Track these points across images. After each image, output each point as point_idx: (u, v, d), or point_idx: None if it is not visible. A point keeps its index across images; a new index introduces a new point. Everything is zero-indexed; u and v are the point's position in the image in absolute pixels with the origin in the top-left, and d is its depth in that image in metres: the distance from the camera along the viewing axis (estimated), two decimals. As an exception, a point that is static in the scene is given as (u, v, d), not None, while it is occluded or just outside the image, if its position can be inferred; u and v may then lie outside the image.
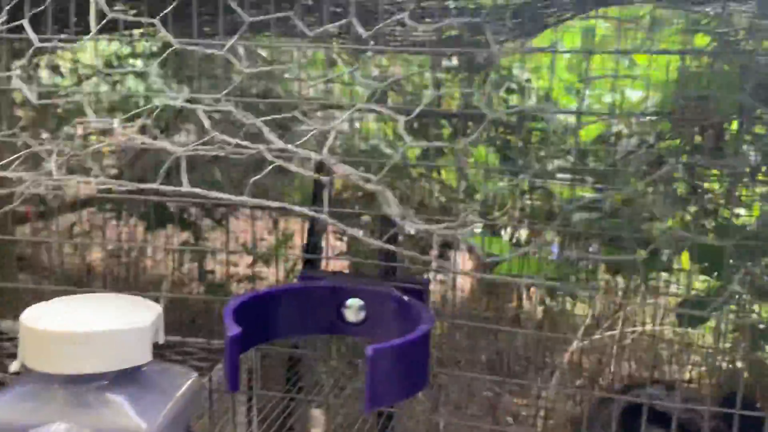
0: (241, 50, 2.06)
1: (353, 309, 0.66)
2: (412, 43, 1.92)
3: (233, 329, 0.53)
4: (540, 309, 2.76)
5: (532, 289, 2.89)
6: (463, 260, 3.02)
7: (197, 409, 0.54)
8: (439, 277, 3.11)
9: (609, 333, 2.05)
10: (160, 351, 0.51)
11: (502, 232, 2.80)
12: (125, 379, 0.47)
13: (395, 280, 0.70)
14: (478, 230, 2.68)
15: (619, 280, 2.07)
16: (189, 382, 0.51)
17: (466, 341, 2.87)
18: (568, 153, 2.02)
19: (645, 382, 1.41)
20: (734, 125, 1.76)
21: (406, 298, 0.65)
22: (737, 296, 1.67)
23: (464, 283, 3.53)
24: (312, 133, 0.67)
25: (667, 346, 1.97)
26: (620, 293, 2.02)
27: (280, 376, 1.91)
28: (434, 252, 2.86)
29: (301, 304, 0.65)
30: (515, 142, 2.33)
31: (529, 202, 2.41)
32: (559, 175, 1.88)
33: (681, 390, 1.35)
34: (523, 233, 2.80)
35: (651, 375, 1.86)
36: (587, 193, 1.74)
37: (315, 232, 1.83)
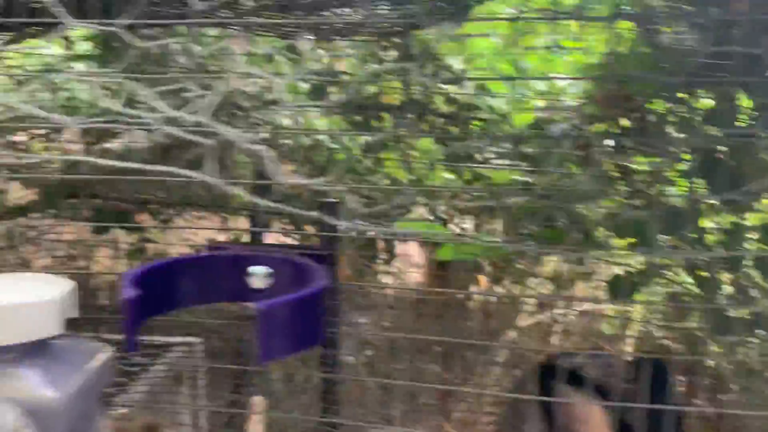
0: (175, 46, 2.05)
1: (259, 276, 0.68)
2: (344, 32, 1.95)
3: (128, 292, 0.55)
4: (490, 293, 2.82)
5: (481, 276, 2.95)
6: (410, 249, 3.06)
7: (109, 381, 0.56)
8: (394, 269, 3.16)
9: (552, 312, 2.11)
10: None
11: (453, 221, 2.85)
12: (36, 351, 0.49)
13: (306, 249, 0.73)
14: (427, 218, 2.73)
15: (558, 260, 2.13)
16: (100, 354, 0.53)
17: (418, 328, 2.92)
18: (505, 140, 2.08)
19: (574, 352, 1.47)
20: (660, 106, 1.84)
21: (299, 259, 0.67)
22: (665, 270, 1.75)
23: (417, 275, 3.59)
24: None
25: (602, 321, 2.04)
26: (561, 274, 2.08)
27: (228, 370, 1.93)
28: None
29: (205, 273, 0.67)
30: (456, 132, 2.38)
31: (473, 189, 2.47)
32: (496, 161, 1.93)
33: (603, 357, 1.41)
34: (469, 221, 2.85)
35: (580, 346, 1.93)
36: (521, 177, 1.80)
37: (257, 225, 1.84)
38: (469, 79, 2.05)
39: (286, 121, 2.82)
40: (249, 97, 2.61)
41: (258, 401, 1.37)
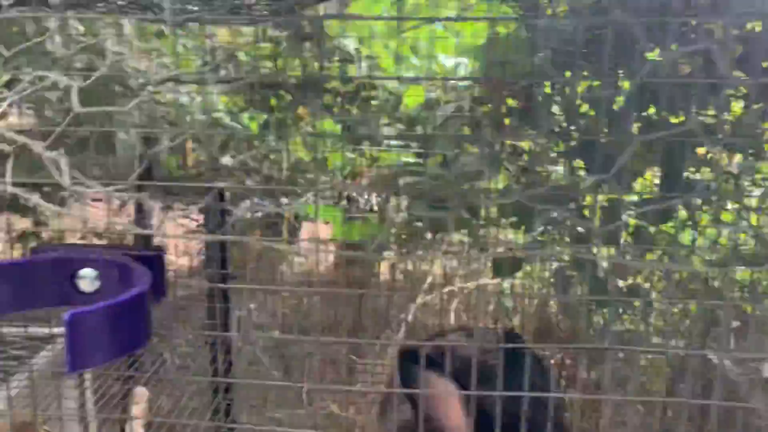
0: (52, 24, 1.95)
1: (87, 279, 0.66)
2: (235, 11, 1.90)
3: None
4: (392, 272, 2.86)
5: (385, 255, 2.98)
6: (318, 230, 3.05)
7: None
8: (305, 249, 3.15)
9: (446, 289, 2.16)
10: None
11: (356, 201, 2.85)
12: None
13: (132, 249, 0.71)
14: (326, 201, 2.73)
15: (454, 237, 2.18)
16: None
17: (328, 308, 2.94)
18: (398, 120, 2.09)
19: (453, 330, 1.51)
20: (547, 88, 1.89)
21: (123, 262, 0.66)
22: (547, 245, 1.81)
23: (328, 255, 3.60)
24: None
25: (489, 296, 2.11)
26: (453, 251, 2.13)
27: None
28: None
29: (27, 278, 0.65)
30: (354, 112, 2.38)
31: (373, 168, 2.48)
32: (389, 142, 1.94)
33: (479, 334, 1.46)
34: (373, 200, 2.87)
35: (459, 323, 1.99)
36: (411, 158, 1.82)
37: (143, 211, 1.80)
38: (360, 59, 2.05)
39: (184, 99, 2.74)
40: (143, 75, 2.52)
41: (140, 391, 1.35)
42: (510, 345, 1.06)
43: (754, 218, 2.02)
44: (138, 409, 1.27)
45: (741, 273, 2.01)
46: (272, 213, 2.70)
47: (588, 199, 1.81)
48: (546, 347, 1.76)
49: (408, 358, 0.97)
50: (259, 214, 2.76)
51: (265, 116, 2.52)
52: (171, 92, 2.60)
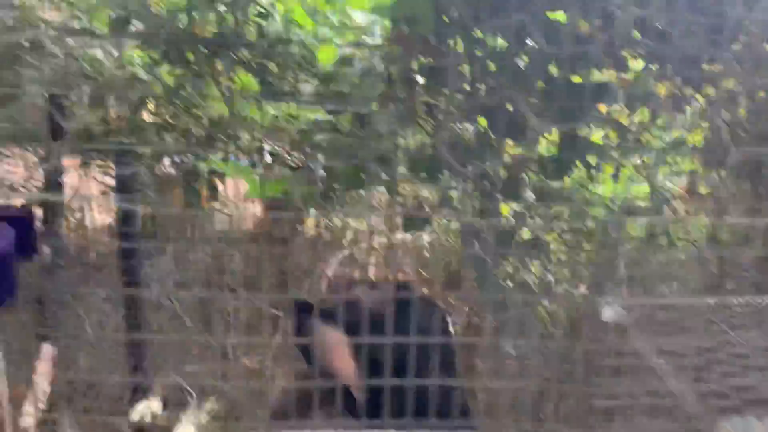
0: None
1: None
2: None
3: None
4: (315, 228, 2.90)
5: (310, 213, 3.01)
6: (237, 187, 3.05)
7: None
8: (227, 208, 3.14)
9: (364, 244, 2.21)
10: None
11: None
12: None
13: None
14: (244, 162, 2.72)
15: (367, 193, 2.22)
16: None
17: (252, 265, 2.96)
18: (314, 76, 2.10)
19: (357, 283, 1.56)
20: (459, 45, 1.93)
21: None
22: (456, 201, 1.89)
23: (253, 210, 3.60)
24: None
25: (406, 250, 2.18)
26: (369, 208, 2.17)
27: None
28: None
29: None
30: (272, 68, 2.36)
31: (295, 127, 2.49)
32: (305, 98, 1.96)
33: (385, 286, 1.52)
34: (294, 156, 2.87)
35: (364, 277, 2.06)
36: (321, 116, 1.84)
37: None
38: (275, 13, 2.04)
39: (97, 53, 2.66)
40: (53, 27, 2.44)
41: (46, 348, 1.36)
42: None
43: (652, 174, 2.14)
44: (42, 365, 1.28)
45: (636, 225, 2.14)
46: (191, 170, 2.68)
47: (493, 156, 1.88)
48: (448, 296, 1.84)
49: (302, 310, 1.02)
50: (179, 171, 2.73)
51: (181, 71, 2.47)
52: (84, 46, 2.53)
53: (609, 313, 0.96)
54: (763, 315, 1.64)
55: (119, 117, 2.84)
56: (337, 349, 1.03)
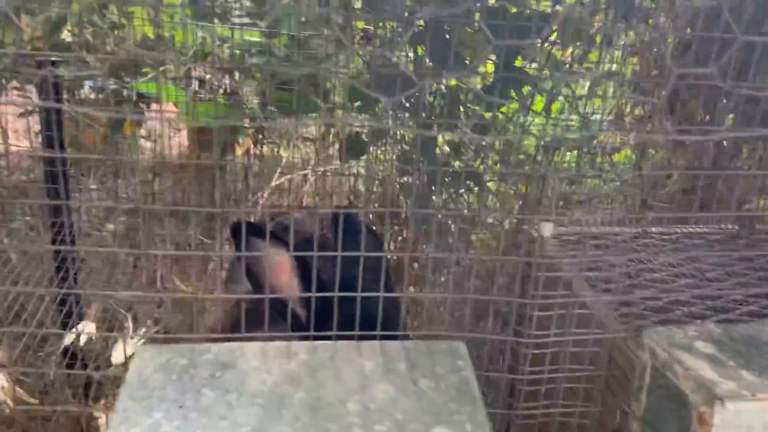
0: None
1: None
2: None
3: None
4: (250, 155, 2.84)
5: (242, 140, 2.95)
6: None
7: None
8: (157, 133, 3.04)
9: (299, 173, 2.20)
10: None
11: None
12: None
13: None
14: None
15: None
16: None
17: (181, 193, 2.89)
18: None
19: (295, 209, 1.57)
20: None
21: None
22: (389, 129, 1.89)
23: (183, 139, 3.51)
24: None
25: (339, 179, 2.18)
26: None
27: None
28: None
29: None
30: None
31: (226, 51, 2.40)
32: (236, 21, 1.89)
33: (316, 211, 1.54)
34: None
35: (298, 202, 2.06)
36: (257, 38, 1.79)
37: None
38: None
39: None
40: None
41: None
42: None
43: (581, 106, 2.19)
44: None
45: (567, 155, 2.20)
46: (117, 93, 2.57)
47: (433, 85, 1.88)
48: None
49: (243, 230, 1.02)
50: (102, 95, 2.62)
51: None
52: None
53: (547, 228, 1.00)
54: (677, 243, 1.74)
55: (37, 37, 2.68)
56: (281, 267, 1.04)
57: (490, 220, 1.97)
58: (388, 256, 1.55)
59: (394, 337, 0.98)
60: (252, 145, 2.84)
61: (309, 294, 1.03)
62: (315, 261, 1.01)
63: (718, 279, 1.46)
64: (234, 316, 1.15)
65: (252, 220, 1.45)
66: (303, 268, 1.05)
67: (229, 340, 0.91)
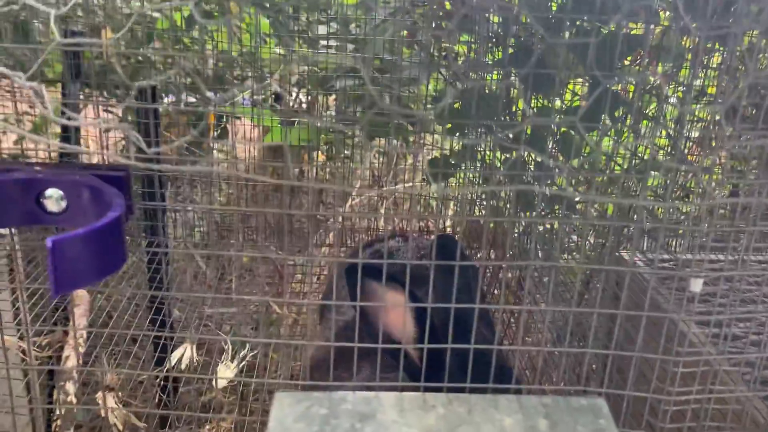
0: None
1: (53, 199, 0.66)
2: None
3: None
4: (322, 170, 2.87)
5: (316, 153, 2.98)
6: (245, 129, 3.00)
7: None
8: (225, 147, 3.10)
9: (378, 191, 2.20)
10: None
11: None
12: None
13: (99, 169, 0.71)
14: (247, 103, 2.67)
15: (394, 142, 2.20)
16: None
17: (252, 207, 2.94)
18: (334, 19, 2.05)
19: (389, 237, 1.56)
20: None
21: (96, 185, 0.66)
22: (480, 152, 1.87)
23: (252, 150, 3.56)
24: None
25: (425, 200, 2.17)
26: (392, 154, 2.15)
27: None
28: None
29: (-6, 197, 0.64)
30: (287, 8, 2.30)
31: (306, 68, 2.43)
32: (323, 42, 1.91)
33: (413, 239, 1.52)
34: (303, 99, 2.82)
35: (394, 228, 2.05)
36: (348, 62, 1.80)
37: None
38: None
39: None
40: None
41: (80, 294, 1.35)
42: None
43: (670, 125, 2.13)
44: (79, 311, 1.28)
45: (654, 179, 2.14)
46: (199, 110, 2.63)
47: (520, 105, 1.86)
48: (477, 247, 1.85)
49: (354, 270, 1.01)
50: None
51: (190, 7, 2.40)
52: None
53: (697, 284, 0.96)
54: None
55: (123, 53, 2.76)
56: (397, 311, 1.03)
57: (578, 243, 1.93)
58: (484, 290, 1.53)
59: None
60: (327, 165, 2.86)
61: (423, 345, 1.00)
62: (428, 303, 0.99)
63: None
64: (337, 349, 1.14)
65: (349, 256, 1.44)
66: (416, 308, 1.04)
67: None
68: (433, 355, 0.96)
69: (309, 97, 2.55)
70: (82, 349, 1.25)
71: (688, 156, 2.21)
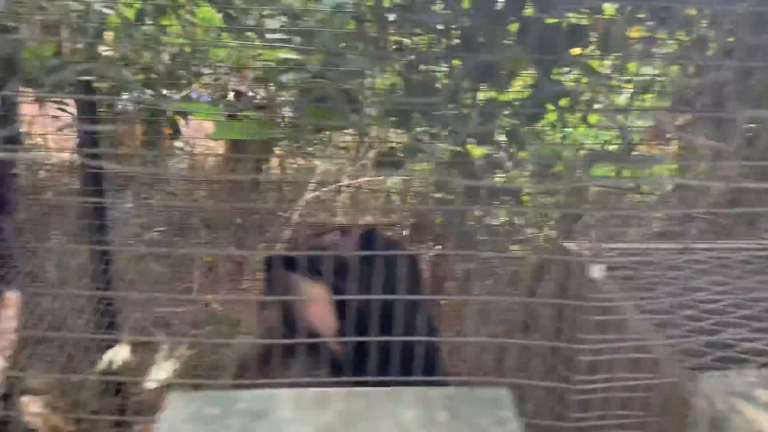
0: None
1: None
2: None
3: None
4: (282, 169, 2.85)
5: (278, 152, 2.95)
6: (200, 127, 2.96)
7: None
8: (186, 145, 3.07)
9: (331, 187, 2.19)
10: None
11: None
12: None
13: None
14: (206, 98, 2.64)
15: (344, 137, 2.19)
16: None
17: (216, 204, 2.91)
18: (284, 13, 2.02)
19: (329, 230, 1.55)
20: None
21: None
22: (424, 145, 1.86)
23: (216, 147, 3.52)
24: None
25: (373, 194, 2.16)
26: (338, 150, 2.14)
27: None
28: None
29: None
30: (235, 1, 2.27)
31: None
32: (269, 36, 1.89)
33: (355, 232, 1.51)
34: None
35: (331, 223, 2.05)
36: (293, 55, 1.78)
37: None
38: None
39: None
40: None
41: (10, 296, 1.32)
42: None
43: (620, 118, 2.15)
44: (7, 313, 1.25)
45: (604, 169, 2.16)
46: (152, 107, 2.59)
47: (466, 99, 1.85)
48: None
49: (275, 263, 0.99)
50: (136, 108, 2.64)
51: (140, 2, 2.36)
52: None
53: (597, 270, 0.96)
54: (725, 260, 1.66)
55: (75, 50, 2.71)
56: (319, 305, 1.02)
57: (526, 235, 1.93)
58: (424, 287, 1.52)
59: (436, 380, 0.94)
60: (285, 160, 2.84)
61: (350, 337, 0.99)
62: (349, 290, 0.98)
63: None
64: (266, 347, 1.13)
65: (285, 249, 1.43)
66: (339, 299, 1.02)
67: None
68: (356, 349, 0.96)
69: (266, 93, 2.52)
70: (8, 353, 1.21)
71: (639, 146, 2.23)
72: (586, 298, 0.96)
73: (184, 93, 2.42)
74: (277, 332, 1.03)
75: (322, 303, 1.03)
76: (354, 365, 0.98)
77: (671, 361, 0.96)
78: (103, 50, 2.74)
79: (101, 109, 2.61)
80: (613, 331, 1.10)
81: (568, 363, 1.06)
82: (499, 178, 1.87)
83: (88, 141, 1.74)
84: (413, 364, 0.97)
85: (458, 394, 0.86)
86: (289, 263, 0.99)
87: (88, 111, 1.89)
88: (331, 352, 1.01)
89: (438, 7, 1.86)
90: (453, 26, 1.83)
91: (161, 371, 1.28)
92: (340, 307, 1.03)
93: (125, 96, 2.85)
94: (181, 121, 2.84)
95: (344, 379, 0.96)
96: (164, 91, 2.59)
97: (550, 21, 1.77)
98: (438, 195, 1.83)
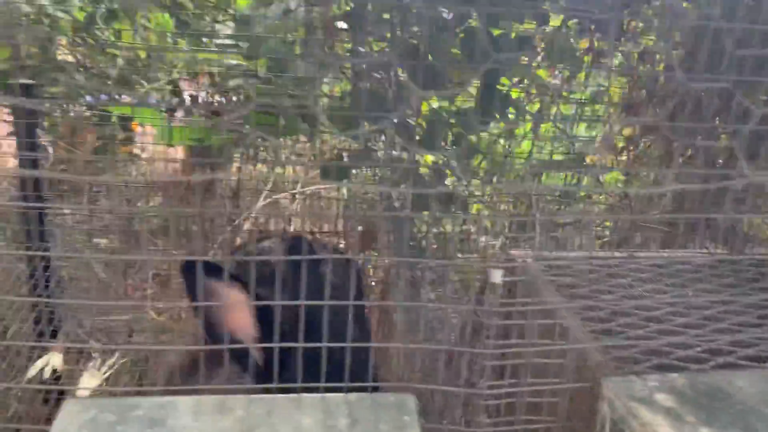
0: None
1: None
2: None
3: None
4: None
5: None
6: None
7: None
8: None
9: (283, 194, 2.18)
10: None
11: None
12: None
13: None
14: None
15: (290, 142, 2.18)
16: None
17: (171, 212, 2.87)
18: (235, 19, 2.01)
19: (269, 237, 1.54)
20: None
21: None
22: (373, 151, 1.87)
23: (177, 152, 3.48)
24: None
25: (324, 201, 2.16)
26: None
27: None
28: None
29: None
30: (188, 7, 2.26)
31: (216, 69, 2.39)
32: (217, 42, 1.87)
33: (284, 240, 1.50)
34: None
35: (269, 229, 2.04)
36: (242, 62, 1.77)
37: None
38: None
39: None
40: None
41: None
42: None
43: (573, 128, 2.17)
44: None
45: (553, 178, 2.18)
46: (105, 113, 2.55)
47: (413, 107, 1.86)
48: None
49: (192, 270, 0.97)
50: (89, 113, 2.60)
51: (92, 7, 2.33)
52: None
53: (496, 275, 0.97)
54: (669, 270, 1.68)
55: (27, 55, 2.67)
56: (235, 309, 1.01)
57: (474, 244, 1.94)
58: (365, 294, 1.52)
59: (364, 389, 0.93)
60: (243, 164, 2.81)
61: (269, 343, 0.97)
62: (273, 297, 0.97)
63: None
64: (193, 355, 1.11)
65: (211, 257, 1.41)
66: (262, 307, 1.01)
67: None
68: (278, 356, 0.94)
69: (221, 98, 2.50)
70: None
71: (587, 156, 2.26)
72: (490, 304, 0.97)
73: (138, 99, 2.39)
74: (202, 339, 1.01)
75: (240, 309, 1.01)
76: (279, 372, 0.97)
77: (600, 365, 0.97)
78: (57, 54, 2.70)
79: (52, 114, 2.58)
80: (549, 337, 1.11)
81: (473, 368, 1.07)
82: (446, 185, 1.88)
83: (28, 147, 1.70)
84: (342, 370, 0.96)
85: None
86: (210, 268, 0.97)
87: (29, 116, 1.85)
88: (251, 359, 1.00)
89: (387, 15, 1.87)
90: (401, 35, 1.84)
91: (93, 379, 1.26)
92: (262, 314, 1.02)
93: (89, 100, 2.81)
94: (136, 127, 2.80)
95: (268, 386, 0.95)
96: (116, 96, 2.56)
97: (496, 32, 1.79)
98: (385, 202, 1.83)
